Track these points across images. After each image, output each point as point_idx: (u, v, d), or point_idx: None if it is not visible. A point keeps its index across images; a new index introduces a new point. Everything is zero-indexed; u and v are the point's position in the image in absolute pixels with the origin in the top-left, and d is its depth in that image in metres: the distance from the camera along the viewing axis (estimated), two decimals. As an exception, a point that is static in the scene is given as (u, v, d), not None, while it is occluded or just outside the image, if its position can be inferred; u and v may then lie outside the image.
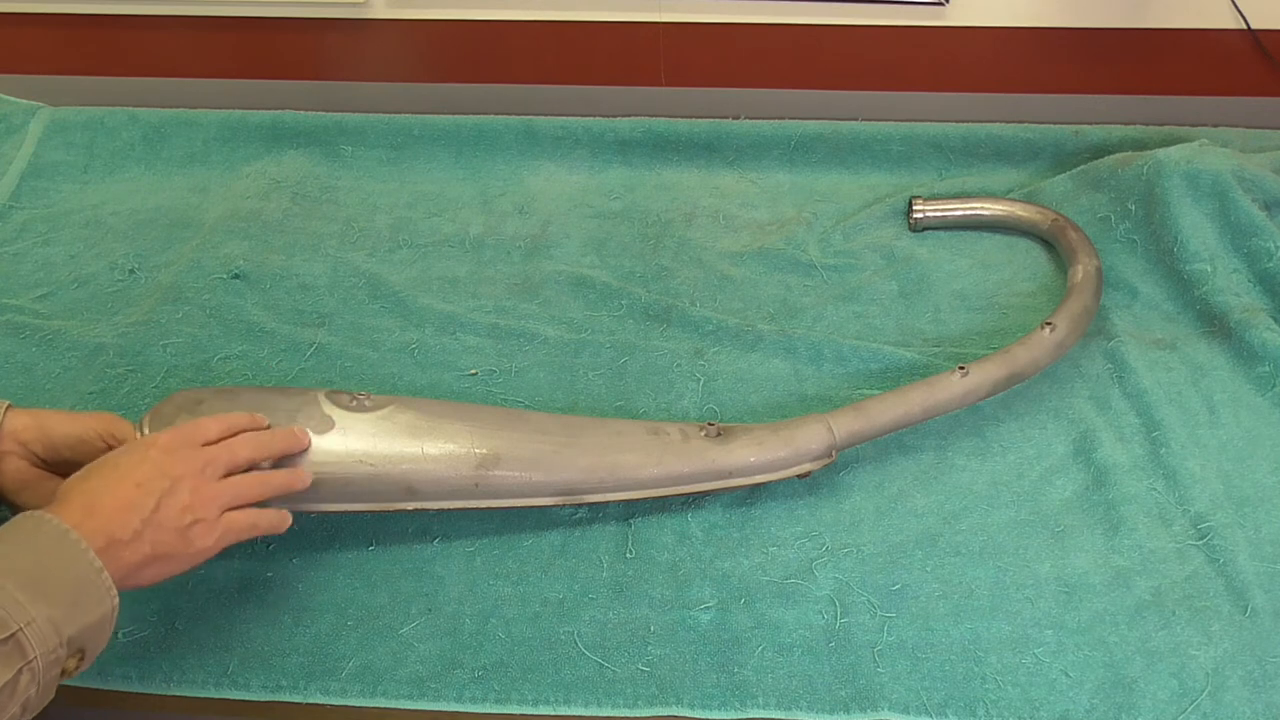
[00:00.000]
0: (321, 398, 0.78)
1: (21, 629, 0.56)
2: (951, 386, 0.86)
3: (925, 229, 1.11)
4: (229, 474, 0.69)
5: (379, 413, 0.78)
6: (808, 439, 0.82)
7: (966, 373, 0.86)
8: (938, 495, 0.84)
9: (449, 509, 0.79)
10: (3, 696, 0.55)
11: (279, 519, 0.71)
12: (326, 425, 0.76)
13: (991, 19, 1.18)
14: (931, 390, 0.85)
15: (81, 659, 0.60)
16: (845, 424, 0.83)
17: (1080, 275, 0.98)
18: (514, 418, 0.81)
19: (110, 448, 0.72)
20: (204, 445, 0.69)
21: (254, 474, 0.71)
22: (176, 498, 0.65)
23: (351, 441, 0.76)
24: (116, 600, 0.61)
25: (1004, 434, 0.89)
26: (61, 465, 0.73)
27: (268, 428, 0.74)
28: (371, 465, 0.75)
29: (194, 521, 0.66)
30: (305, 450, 0.74)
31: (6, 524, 0.61)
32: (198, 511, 0.66)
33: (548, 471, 0.79)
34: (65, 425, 0.74)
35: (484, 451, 0.77)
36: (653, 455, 0.80)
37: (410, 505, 0.77)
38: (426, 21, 1.22)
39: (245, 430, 0.72)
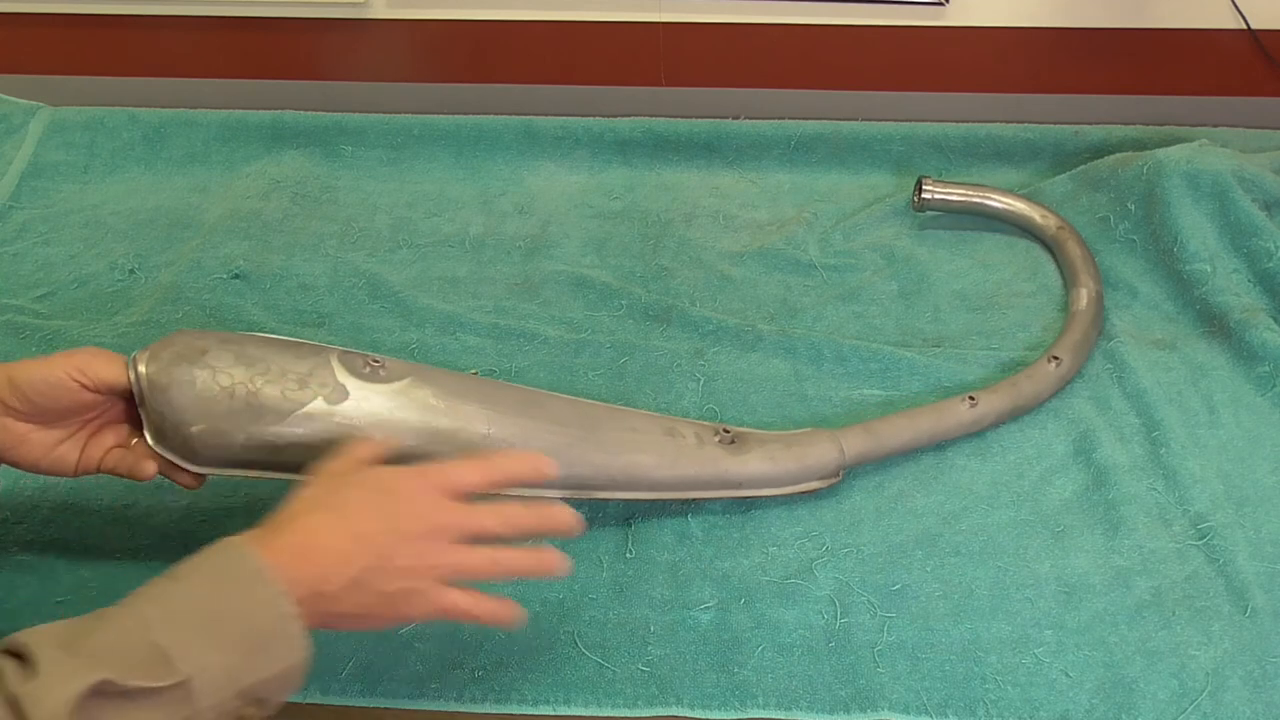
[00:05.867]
0: (334, 362, 0.73)
1: (193, 676, 0.51)
2: (959, 415, 0.87)
3: (929, 210, 1.10)
4: (461, 541, 0.61)
5: (395, 385, 0.74)
6: (819, 457, 0.82)
7: (975, 403, 0.87)
8: (938, 495, 0.84)
9: None
10: None
11: (502, 612, 0.62)
12: (340, 395, 0.72)
13: (991, 19, 1.18)
14: (940, 418, 0.86)
15: (261, 706, 0.55)
16: (855, 444, 0.83)
17: (1085, 301, 0.98)
18: (531, 403, 0.80)
19: (85, 388, 0.67)
20: (453, 498, 0.62)
21: (490, 550, 0.61)
22: (396, 560, 0.58)
23: (366, 415, 0.72)
24: (308, 652, 0.56)
25: (1004, 434, 0.89)
26: (44, 415, 0.68)
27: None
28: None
29: (406, 590, 0.59)
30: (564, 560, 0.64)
31: (200, 552, 0.56)
32: (413, 580, 0.59)
33: (561, 465, 0.76)
34: (32, 371, 0.67)
35: (500, 440, 0.75)
36: (666, 458, 0.80)
37: None
38: (426, 21, 1.22)
39: (513, 481, 0.63)
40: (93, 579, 0.78)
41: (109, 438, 0.72)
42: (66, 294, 1.05)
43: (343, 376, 0.73)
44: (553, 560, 0.63)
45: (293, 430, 0.71)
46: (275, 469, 0.72)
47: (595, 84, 1.24)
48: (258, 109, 1.24)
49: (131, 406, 0.70)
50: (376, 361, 0.75)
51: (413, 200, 1.17)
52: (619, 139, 1.21)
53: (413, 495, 0.61)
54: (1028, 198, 1.10)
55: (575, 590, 0.78)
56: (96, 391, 0.69)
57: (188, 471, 0.71)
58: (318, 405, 0.71)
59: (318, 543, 0.58)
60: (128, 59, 1.27)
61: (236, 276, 1.05)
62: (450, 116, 1.22)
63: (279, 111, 1.23)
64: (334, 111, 1.23)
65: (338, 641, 0.74)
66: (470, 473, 0.63)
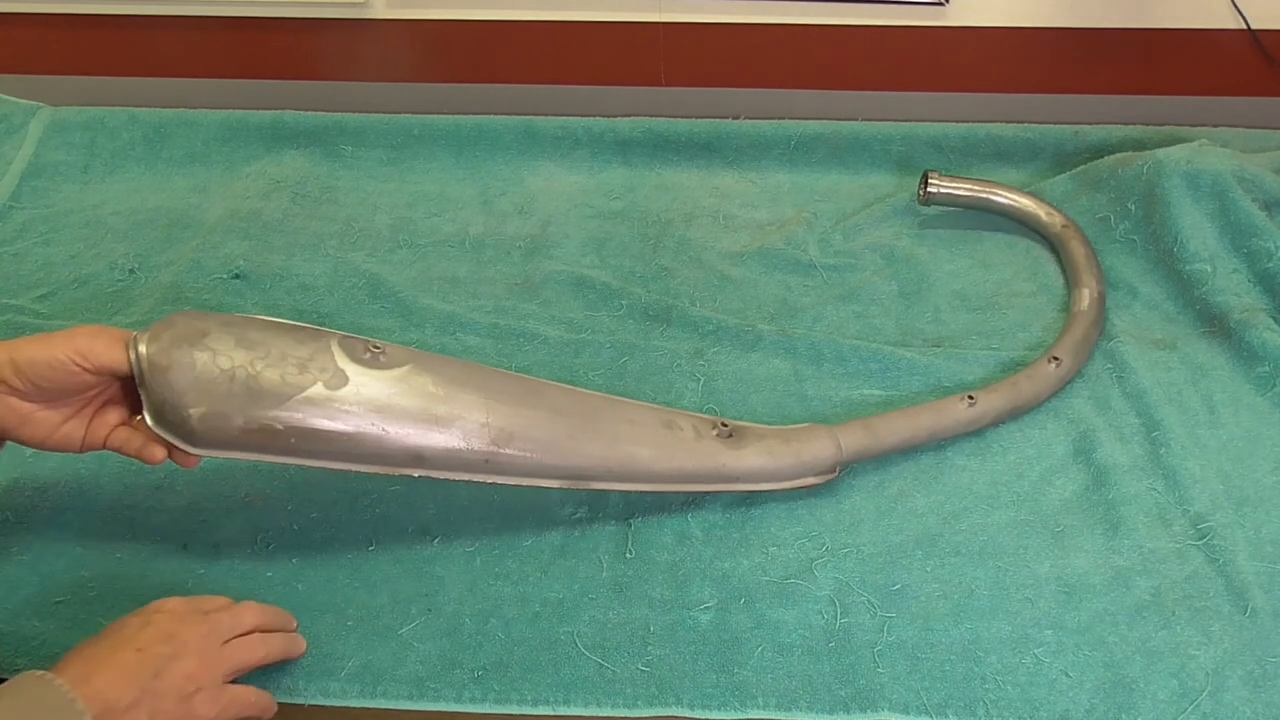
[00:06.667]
0: (335, 347, 0.73)
1: None
2: (958, 414, 0.87)
3: (934, 204, 1.10)
4: (231, 639, 0.68)
5: (395, 372, 0.74)
6: (816, 453, 0.82)
7: (974, 402, 0.87)
8: (938, 495, 0.84)
9: (455, 480, 0.77)
10: None
11: (270, 701, 0.69)
12: (340, 381, 0.72)
13: (991, 19, 1.18)
14: (939, 417, 0.86)
15: None
16: (853, 441, 0.83)
17: (1086, 301, 0.98)
18: (531, 392, 0.79)
19: (86, 370, 0.68)
20: (209, 611, 0.68)
21: (256, 635, 0.69)
22: (181, 664, 0.64)
23: (365, 401, 0.72)
24: None
25: (1004, 434, 0.89)
26: (45, 395, 0.69)
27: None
28: (383, 430, 0.73)
29: (197, 690, 0.64)
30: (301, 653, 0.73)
31: (11, 681, 0.60)
32: (201, 680, 0.64)
33: (559, 456, 0.77)
34: (33, 352, 0.67)
35: (498, 428, 0.76)
36: (665, 451, 0.80)
37: (416, 472, 0.75)
38: (426, 21, 1.22)
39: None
40: (92, 579, 0.78)
41: (112, 415, 0.73)
42: (66, 294, 1.05)
43: (343, 362, 0.73)
44: (301, 642, 0.74)
45: (292, 414, 0.71)
46: (274, 453, 0.72)
47: (595, 84, 1.24)
48: (258, 109, 1.24)
49: (132, 385, 0.70)
50: (377, 348, 0.75)
51: (413, 200, 1.17)
52: (619, 139, 1.21)
53: (181, 612, 0.67)
54: (1033, 194, 1.10)
55: (575, 590, 0.78)
56: (97, 373, 0.69)
57: (187, 452, 0.71)
58: (317, 390, 0.71)
59: (101, 664, 0.62)
60: (128, 59, 1.27)
61: (236, 276, 1.05)
62: (450, 116, 1.23)
63: (279, 111, 1.23)
64: (334, 111, 1.23)
65: (336, 642, 0.75)
66: (220, 600, 0.71)
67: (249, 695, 0.68)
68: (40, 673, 0.60)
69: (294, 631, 0.74)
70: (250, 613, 0.70)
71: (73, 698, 0.58)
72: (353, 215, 1.15)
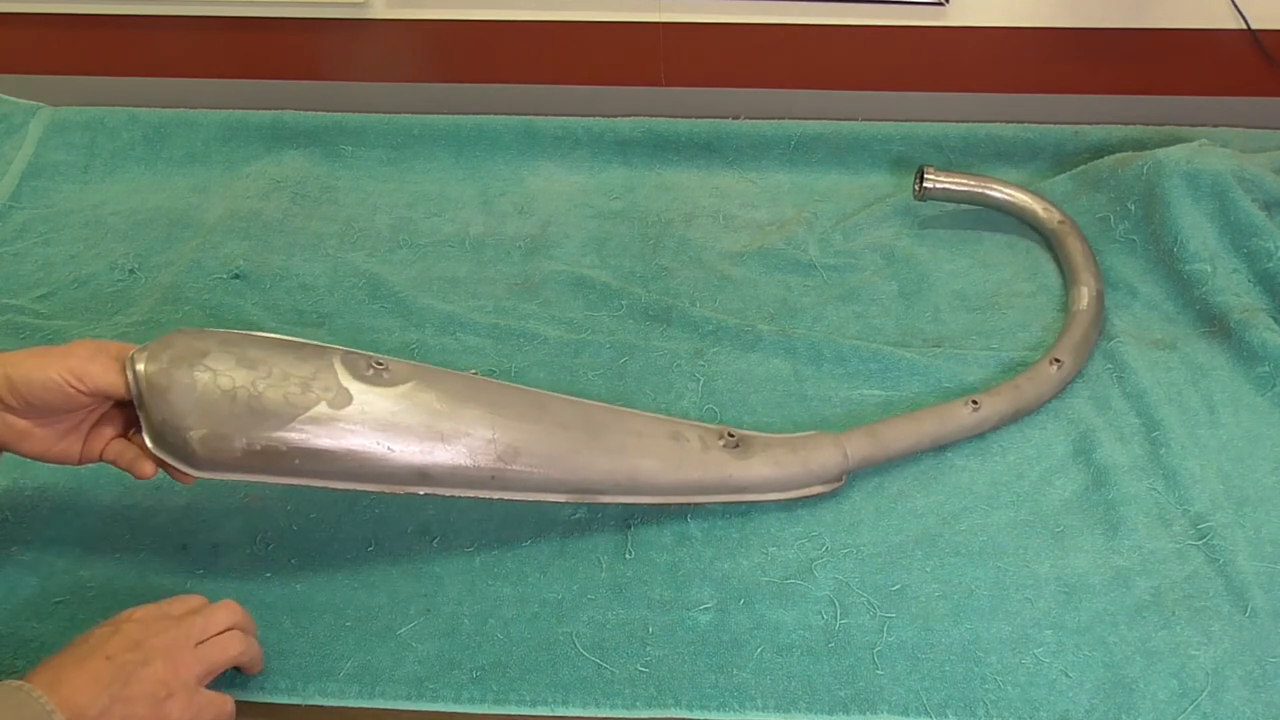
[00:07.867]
0: (337, 364, 0.73)
1: None
2: (962, 419, 0.87)
3: (930, 199, 1.10)
4: (205, 641, 0.67)
5: (399, 389, 0.74)
6: (823, 461, 0.82)
7: (978, 406, 0.87)
8: (937, 495, 0.84)
9: (462, 496, 0.77)
10: None
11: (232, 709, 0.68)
12: (344, 400, 0.71)
13: (991, 19, 1.18)
14: (943, 422, 0.86)
15: None
16: (859, 449, 0.83)
17: (1085, 300, 0.98)
18: (535, 406, 0.79)
19: (80, 392, 0.67)
20: (180, 615, 0.67)
21: (232, 632, 0.68)
22: (150, 669, 0.63)
23: (370, 420, 0.72)
24: None
25: (1004, 434, 0.89)
26: (40, 413, 0.69)
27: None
28: (389, 449, 0.72)
29: (169, 695, 0.63)
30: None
31: None
32: (172, 685, 0.63)
33: (565, 470, 0.77)
34: (28, 371, 0.67)
35: (504, 444, 0.75)
36: (671, 463, 0.80)
37: (422, 490, 0.75)
38: (426, 21, 1.22)
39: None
40: (92, 580, 0.78)
41: (108, 429, 0.73)
42: (66, 294, 1.05)
43: (346, 380, 0.72)
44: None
45: (295, 435, 0.70)
46: (277, 474, 0.71)
47: (595, 84, 1.24)
48: (258, 109, 1.24)
49: (127, 403, 0.70)
50: (380, 364, 0.74)
51: (413, 200, 1.17)
52: (619, 139, 1.21)
53: (149, 619, 0.67)
54: (1029, 190, 1.10)
55: (574, 591, 0.78)
56: (92, 395, 0.68)
57: (187, 474, 0.71)
58: (321, 410, 0.71)
59: (70, 672, 0.61)
60: (128, 59, 1.27)
61: (236, 276, 1.05)
62: (450, 116, 1.23)
63: (279, 111, 1.24)
64: (334, 111, 1.23)
65: (335, 642, 0.75)
66: (193, 601, 0.70)
67: (225, 704, 0.67)
68: (17, 682, 0.59)
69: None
70: (225, 611, 0.69)
71: (51, 709, 0.58)
72: (353, 215, 1.15)
